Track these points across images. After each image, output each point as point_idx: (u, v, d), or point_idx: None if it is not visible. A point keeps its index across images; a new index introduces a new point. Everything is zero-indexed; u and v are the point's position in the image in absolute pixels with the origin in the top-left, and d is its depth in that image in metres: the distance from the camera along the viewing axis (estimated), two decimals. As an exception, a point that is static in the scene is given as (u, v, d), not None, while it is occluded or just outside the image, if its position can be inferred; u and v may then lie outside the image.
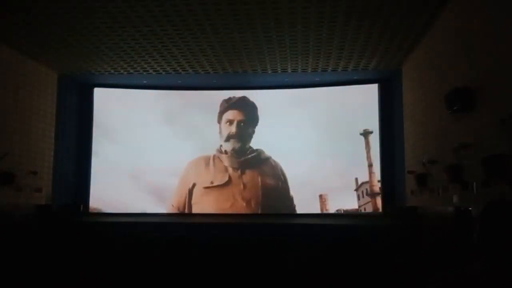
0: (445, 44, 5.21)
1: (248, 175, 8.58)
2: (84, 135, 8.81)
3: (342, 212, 8.41)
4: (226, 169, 8.64)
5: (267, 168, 8.63)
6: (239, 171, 8.61)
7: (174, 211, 8.62)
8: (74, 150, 8.61)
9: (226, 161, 8.67)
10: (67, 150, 8.29)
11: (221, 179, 8.58)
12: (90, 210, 8.63)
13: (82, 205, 8.41)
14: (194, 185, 8.63)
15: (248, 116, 8.80)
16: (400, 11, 5.21)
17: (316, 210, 8.39)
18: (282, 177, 8.60)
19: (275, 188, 8.54)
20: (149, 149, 8.85)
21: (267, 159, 8.68)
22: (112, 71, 7.80)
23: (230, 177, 8.58)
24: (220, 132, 8.84)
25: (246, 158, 8.66)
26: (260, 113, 8.83)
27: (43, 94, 7.58)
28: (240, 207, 8.44)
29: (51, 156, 7.80)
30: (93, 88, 8.91)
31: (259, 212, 8.43)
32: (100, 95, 8.99)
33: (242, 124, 8.76)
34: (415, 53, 6.54)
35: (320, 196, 8.45)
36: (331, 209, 8.41)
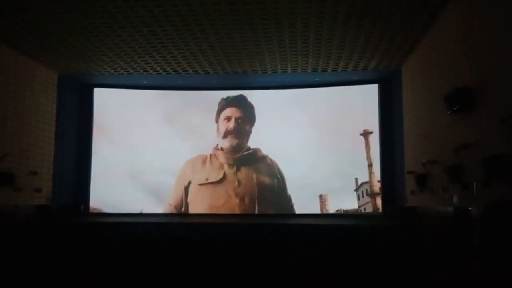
0: (445, 44, 5.21)
1: (243, 172, 8.60)
2: (84, 135, 8.81)
3: (342, 212, 8.41)
4: (221, 166, 8.67)
5: (263, 166, 8.65)
6: (234, 168, 8.63)
7: (172, 209, 8.63)
8: (74, 150, 8.60)
9: (222, 157, 8.69)
10: (67, 150, 8.29)
11: (216, 176, 8.61)
12: (90, 210, 8.63)
13: (82, 205, 8.41)
14: (189, 182, 8.66)
15: (246, 114, 8.82)
16: (400, 11, 5.21)
17: (316, 210, 8.39)
18: (278, 176, 8.61)
19: (271, 187, 8.55)
20: (149, 149, 8.86)
21: (264, 157, 8.70)
22: (112, 71, 7.80)
23: (225, 174, 8.61)
24: (218, 130, 8.86)
25: (242, 155, 8.68)
26: (260, 113, 8.84)
27: (43, 94, 7.58)
28: (234, 204, 8.46)
29: (51, 156, 7.80)
30: (93, 88, 8.91)
31: (255, 209, 8.43)
32: (100, 95, 8.99)
33: (240, 120, 8.80)
34: (415, 53, 6.54)
35: (320, 196, 8.45)
36: (331, 209, 8.41)
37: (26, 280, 3.80)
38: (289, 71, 7.68)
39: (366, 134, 8.38)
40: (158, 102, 9.12)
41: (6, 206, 6.40)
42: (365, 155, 8.37)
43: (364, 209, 8.32)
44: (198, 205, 8.55)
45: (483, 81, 4.16)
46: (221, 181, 8.59)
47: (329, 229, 6.60)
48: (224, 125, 8.79)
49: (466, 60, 4.54)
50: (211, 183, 8.59)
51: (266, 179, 8.58)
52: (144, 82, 8.53)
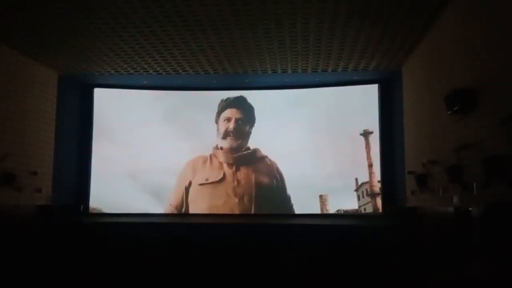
0: (445, 44, 5.22)
1: (242, 172, 8.62)
2: (84, 135, 8.81)
3: (342, 212, 8.41)
4: (221, 166, 8.68)
5: (262, 166, 8.67)
6: (233, 168, 8.65)
7: (172, 209, 8.64)
8: (74, 151, 8.60)
9: (221, 157, 8.71)
10: (67, 150, 8.29)
11: (216, 176, 8.63)
12: (90, 211, 8.62)
13: (82, 206, 8.41)
14: (190, 183, 8.67)
15: (246, 114, 8.84)
16: (400, 11, 5.21)
17: (316, 210, 8.39)
18: (277, 176, 8.62)
19: (269, 187, 8.56)
20: (149, 149, 8.86)
21: (263, 158, 8.71)
22: (112, 71, 7.80)
23: (224, 174, 8.63)
24: (218, 131, 8.87)
25: (241, 154, 8.69)
26: (260, 113, 8.84)
27: (43, 94, 7.58)
28: (233, 204, 8.47)
29: (51, 157, 7.79)
30: (93, 88, 8.91)
31: (252, 209, 8.44)
32: (101, 95, 8.99)
33: (239, 121, 8.81)
34: (415, 53, 6.55)
35: (320, 196, 8.45)
36: (331, 209, 8.41)
37: (26, 280, 3.80)
38: (289, 71, 7.68)
39: (366, 134, 8.39)
40: (158, 102, 9.12)
41: (7, 206, 6.40)
42: (365, 155, 8.37)
43: (364, 209, 8.32)
44: (198, 205, 8.57)
45: (483, 81, 4.16)
46: (221, 181, 8.61)
47: (329, 229, 6.61)
48: (224, 126, 8.80)
49: (466, 60, 4.54)
50: (211, 183, 8.60)
51: (265, 179, 8.59)
52: (144, 82, 8.53)
